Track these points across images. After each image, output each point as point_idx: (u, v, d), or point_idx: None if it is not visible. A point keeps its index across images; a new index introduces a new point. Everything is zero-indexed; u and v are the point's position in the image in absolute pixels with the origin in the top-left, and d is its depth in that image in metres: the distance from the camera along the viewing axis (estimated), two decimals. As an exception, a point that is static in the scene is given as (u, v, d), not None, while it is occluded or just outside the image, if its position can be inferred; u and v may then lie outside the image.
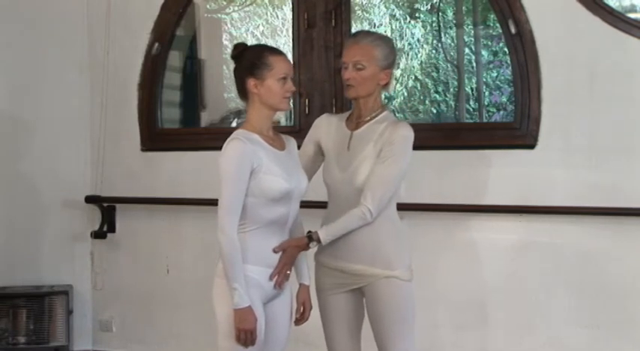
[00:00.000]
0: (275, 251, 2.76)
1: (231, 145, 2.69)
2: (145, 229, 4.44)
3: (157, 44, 4.38)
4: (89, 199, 4.49)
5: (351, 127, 2.91)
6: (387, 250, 2.83)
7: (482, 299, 3.58)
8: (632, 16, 3.56)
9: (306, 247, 2.82)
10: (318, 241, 2.80)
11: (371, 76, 2.84)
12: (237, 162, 2.66)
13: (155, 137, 4.45)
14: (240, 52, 2.80)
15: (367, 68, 2.83)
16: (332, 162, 2.92)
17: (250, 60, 2.76)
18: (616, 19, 3.37)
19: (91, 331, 4.61)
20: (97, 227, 4.48)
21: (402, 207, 3.70)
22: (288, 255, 2.78)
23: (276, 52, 2.82)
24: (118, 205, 4.50)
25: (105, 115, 4.51)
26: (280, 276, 2.76)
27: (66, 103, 4.56)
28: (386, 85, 2.90)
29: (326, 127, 2.98)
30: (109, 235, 4.49)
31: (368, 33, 3.01)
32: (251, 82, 2.75)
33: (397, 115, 5.20)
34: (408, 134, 2.82)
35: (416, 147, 3.75)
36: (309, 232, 2.82)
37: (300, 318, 2.95)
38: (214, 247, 2.71)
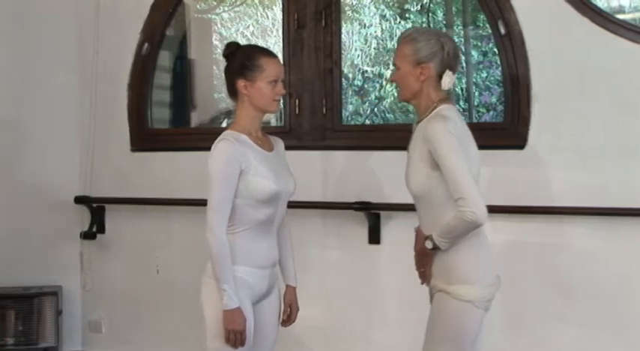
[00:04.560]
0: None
1: (219, 146, 2.69)
2: (134, 230, 4.43)
3: (146, 44, 4.37)
4: (78, 200, 4.48)
5: (413, 130, 2.82)
6: (450, 263, 2.66)
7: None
8: (620, 16, 3.57)
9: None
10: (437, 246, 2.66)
11: (406, 74, 2.72)
12: (225, 163, 2.66)
13: (145, 137, 4.43)
14: (232, 51, 2.79)
15: (401, 67, 2.74)
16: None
17: (242, 61, 2.75)
18: (604, 19, 3.38)
19: (81, 332, 4.59)
20: (86, 228, 4.46)
21: (392, 207, 3.76)
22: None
23: (268, 54, 2.81)
24: (107, 206, 4.49)
25: (94, 115, 4.50)
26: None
27: (55, 103, 4.54)
28: (426, 81, 2.70)
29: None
30: (98, 235, 4.47)
31: (408, 30, 2.85)
32: (241, 83, 2.75)
33: (387, 115, 5.21)
34: (437, 126, 2.61)
35: (406, 147, 3.79)
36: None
37: (287, 319, 2.95)
38: (204, 247, 2.70)
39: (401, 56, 2.74)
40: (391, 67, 2.73)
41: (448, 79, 2.72)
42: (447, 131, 2.60)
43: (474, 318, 2.65)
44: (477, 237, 2.65)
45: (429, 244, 2.67)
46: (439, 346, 2.68)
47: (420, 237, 2.75)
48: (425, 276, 2.77)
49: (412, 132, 2.84)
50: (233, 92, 2.79)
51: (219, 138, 2.71)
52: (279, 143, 2.90)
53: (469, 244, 2.64)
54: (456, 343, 2.65)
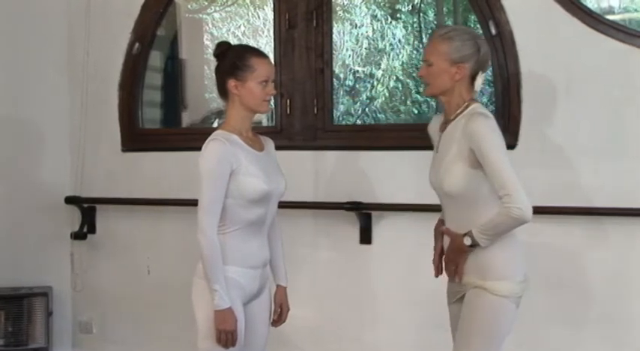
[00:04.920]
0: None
1: (210, 146, 2.68)
2: (125, 230, 4.42)
3: (137, 44, 4.36)
4: (69, 200, 4.47)
5: (441, 128, 2.80)
6: (484, 259, 2.65)
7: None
8: (609, 17, 3.59)
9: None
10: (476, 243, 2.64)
11: (440, 71, 2.70)
12: (216, 163, 2.66)
13: (136, 137, 4.42)
14: (223, 51, 2.79)
15: (435, 64, 2.71)
16: (430, 165, 2.83)
17: (232, 60, 2.75)
18: (594, 20, 3.39)
19: (71, 333, 4.58)
20: (76, 228, 4.45)
21: (383, 207, 3.76)
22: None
23: (259, 54, 2.81)
24: (98, 206, 4.48)
25: (85, 116, 4.49)
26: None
27: (45, 103, 4.52)
28: (460, 80, 2.70)
29: (434, 128, 2.87)
30: (89, 235, 4.46)
31: (444, 27, 2.85)
32: (232, 83, 2.75)
33: (378, 115, 5.22)
34: (480, 123, 2.61)
35: (397, 147, 3.81)
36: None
37: (278, 319, 2.95)
38: (195, 247, 2.70)
39: (436, 53, 2.71)
40: (425, 63, 2.69)
41: (481, 80, 2.75)
42: (491, 128, 2.62)
43: (509, 313, 2.67)
44: (511, 234, 2.66)
45: (467, 241, 2.64)
46: (474, 340, 2.67)
47: (452, 235, 2.72)
48: (458, 273, 2.72)
49: (429, 131, 2.87)
50: (223, 92, 2.79)
51: (209, 138, 2.71)
52: (269, 143, 2.90)
53: (504, 241, 2.65)
54: (490, 337, 2.67)
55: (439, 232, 2.86)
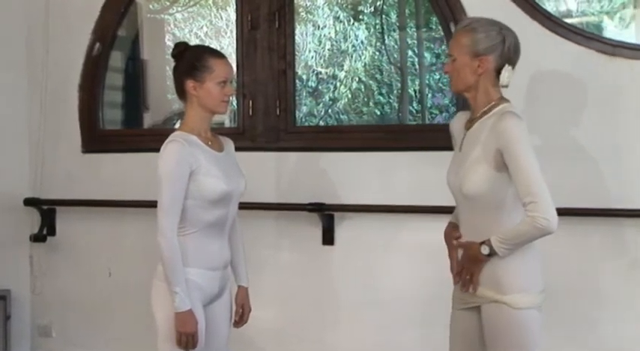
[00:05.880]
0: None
1: (169, 148, 2.67)
2: (86, 232, 4.38)
3: (97, 44, 4.32)
4: (28, 202, 4.41)
5: (466, 126, 2.62)
6: (501, 271, 2.49)
7: (430, 299, 3.60)
8: (568, 21, 3.64)
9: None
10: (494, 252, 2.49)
11: (463, 66, 2.55)
12: (175, 164, 2.65)
13: (96, 138, 4.38)
14: (181, 51, 2.78)
15: (458, 58, 2.56)
16: (450, 164, 2.67)
17: (190, 61, 2.74)
18: (554, 24, 3.44)
19: (30, 337, 4.52)
20: (36, 230, 4.39)
21: (346, 208, 3.77)
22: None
23: (217, 54, 2.80)
24: (58, 208, 4.42)
25: (44, 116, 4.43)
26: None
27: (4, 104, 4.46)
28: (483, 74, 2.54)
29: (458, 125, 2.71)
30: (48, 238, 4.41)
31: (468, 19, 2.67)
32: (190, 84, 2.74)
33: (341, 116, 5.23)
34: (511, 123, 2.46)
35: (360, 148, 3.82)
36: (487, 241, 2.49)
37: (239, 320, 2.95)
38: (156, 249, 2.68)
39: (458, 46, 2.57)
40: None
41: (507, 74, 2.57)
42: (523, 130, 2.47)
43: (535, 322, 2.53)
44: (531, 244, 2.51)
45: (485, 250, 2.48)
46: None
47: (467, 244, 2.57)
48: (474, 283, 2.55)
49: (451, 129, 2.74)
50: (182, 93, 2.78)
51: (168, 139, 2.70)
52: (229, 143, 2.89)
53: (524, 251, 2.50)
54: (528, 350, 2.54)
55: (451, 238, 2.70)
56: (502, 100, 2.59)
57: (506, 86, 2.62)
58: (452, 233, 2.71)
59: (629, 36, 3.98)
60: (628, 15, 4.02)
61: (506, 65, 2.58)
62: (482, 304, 2.56)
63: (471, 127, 2.60)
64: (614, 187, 3.34)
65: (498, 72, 2.57)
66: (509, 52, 2.58)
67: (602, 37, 3.55)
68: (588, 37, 3.42)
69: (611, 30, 4.03)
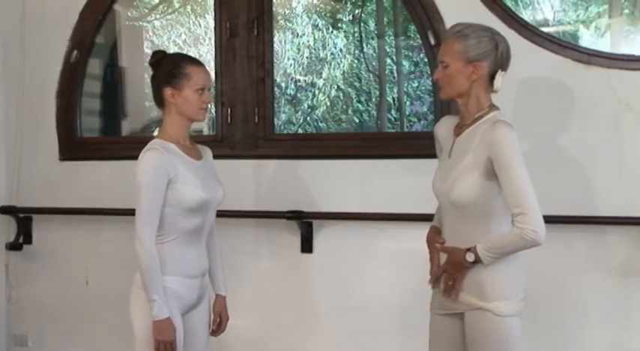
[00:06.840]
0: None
1: (147, 156, 2.67)
2: (63, 240, 4.34)
3: (75, 52, 4.29)
4: (4, 210, 4.37)
5: (456, 132, 2.62)
6: (485, 278, 2.51)
7: (409, 306, 3.62)
8: (545, 29, 3.67)
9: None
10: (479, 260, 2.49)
11: (456, 72, 2.54)
12: (153, 172, 2.64)
13: (74, 146, 4.35)
14: (159, 59, 2.78)
15: (451, 65, 2.55)
16: (437, 170, 2.66)
17: (168, 69, 2.74)
18: (530, 32, 3.47)
19: (5, 347, 4.46)
20: (12, 238, 4.35)
21: (324, 216, 3.77)
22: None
23: (194, 62, 2.80)
24: (34, 216, 4.38)
25: (21, 124, 4.40)
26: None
27: (-21, 111, 4.43)
28: (477, 80, 2.54)
29: (445, 130, 2.69)
30: (25, 246, 4.36)
31: (458, 25, 2.60)
32: (168, 92, 2.74)
33: (320, 124, 5.24)
34: (504, 132, 2.46)
35: (339, 156, 3.83)
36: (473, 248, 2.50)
37: (217, 329, 2.94)
38: (134, 257, 2.67)
39: (450, 53, 2.55)
40: (440, 65, 2.55)
41: (501, 80, 2.58)
42: (514, 140, 2.47)
43: (517, 329, 2.55)
44: (517, 253, 2.52)
45: (470, 257, 2.49)
46: None
47: (451, 250, 2.58)
48: (455, 290, 2.56)
49: (436, 132, 2.74)
50: (160, 101, 2.78)
51: (146, 147, 2.70)
52: (207, 152, 2.89)
53: (509, 259, 2.50)
54: None
55: (433, 242, 2.70)
56: (493, 107, 2.60)
57: (497, 91, 2.63)
58: (435, 238, 2.71)
59: (604, 45, 4.04)
60: (603, 24, 4.08)
61: (500, 71, 2.58)
62: (465, 311, 2.57)
63: (461, 133, 2.60)
64: (588, 195, 3.37)
65: (491, 78, 2.58)
66: (502, 57, 2.59)
67: (578, 46, 3.59)
68: (564, 46, 3.46)
69: (587, 39, 4.09)
